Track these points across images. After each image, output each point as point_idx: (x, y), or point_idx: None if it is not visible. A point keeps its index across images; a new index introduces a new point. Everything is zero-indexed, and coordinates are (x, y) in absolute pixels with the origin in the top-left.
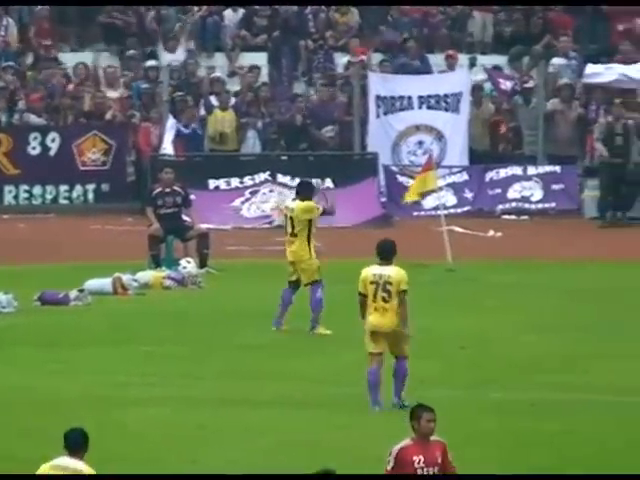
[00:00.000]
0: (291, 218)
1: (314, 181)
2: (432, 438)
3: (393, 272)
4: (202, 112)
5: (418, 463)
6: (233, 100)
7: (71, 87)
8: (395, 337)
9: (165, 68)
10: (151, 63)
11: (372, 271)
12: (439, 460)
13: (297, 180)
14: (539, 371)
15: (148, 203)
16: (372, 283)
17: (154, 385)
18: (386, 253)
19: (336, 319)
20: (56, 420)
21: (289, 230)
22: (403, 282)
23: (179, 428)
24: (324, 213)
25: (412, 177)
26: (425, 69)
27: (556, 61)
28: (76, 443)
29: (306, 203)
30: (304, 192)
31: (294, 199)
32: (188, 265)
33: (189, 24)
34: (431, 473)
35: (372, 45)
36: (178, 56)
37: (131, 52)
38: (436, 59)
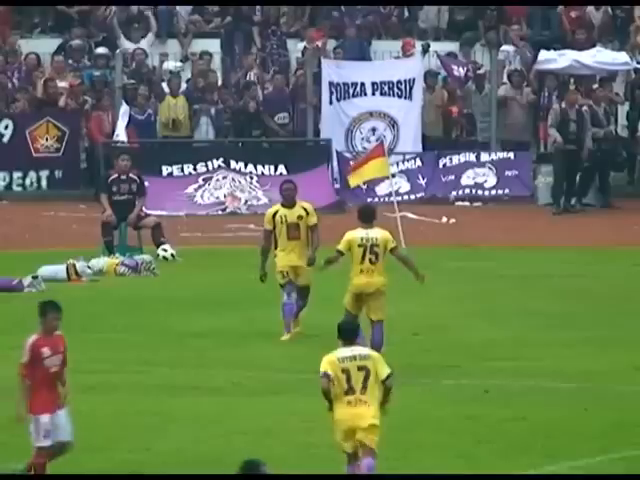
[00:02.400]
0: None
1: None
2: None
3: (379, 234)
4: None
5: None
6: (184, 86)
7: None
8: (377, 299)
9: (118, 55)
10: (101, 51)
11: (358, 234)
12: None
13: (250, 166)
14: (492, 357)
15: (102, 189)
16: (360, 246)
17: (107, 372)
18: (369, 216)
19: None
20: (8, 405)
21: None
22: (390, 241)
23: (132, 415)
24: None
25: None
26: (364, 56)
27: (506, 48)
28: None
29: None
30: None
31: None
32: (166, 252)
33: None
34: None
35: (324, 31)
36: (141, 44)
37: (76, 42)
38: (388, 46)
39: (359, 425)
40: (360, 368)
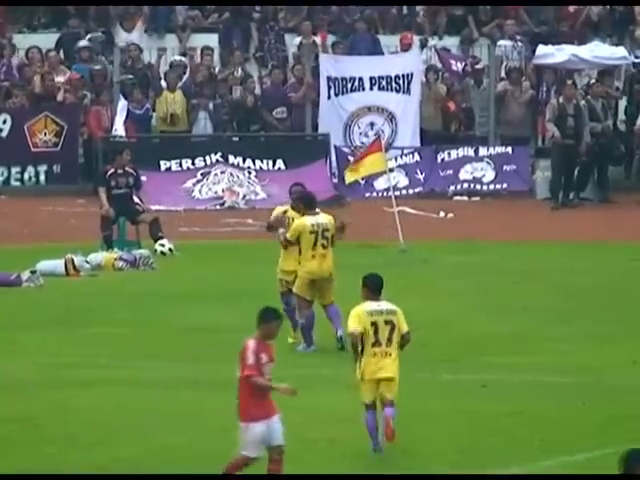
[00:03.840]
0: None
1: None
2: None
3: (326, 219)
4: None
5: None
6: (184, 79)
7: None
8: (327, 284)
9: (117, 49)
10: (84, 43)
11: (309, 222)
12: None
13: (249, 161)
14: (490, 352)
15: (101, 183)
16: (312, 233)
17: (105, 367)
18: (313, 204)
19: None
20: (6, 401)
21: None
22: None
23: (131, 410)
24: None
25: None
26: (375, 50)
27: (503, 43)
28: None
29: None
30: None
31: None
32: (164, 247)
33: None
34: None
35: (323, 26)
36: (133, 37)
37: (83, 42)
38: (387, 40)
39: (383, 376)
40: (387, 322)
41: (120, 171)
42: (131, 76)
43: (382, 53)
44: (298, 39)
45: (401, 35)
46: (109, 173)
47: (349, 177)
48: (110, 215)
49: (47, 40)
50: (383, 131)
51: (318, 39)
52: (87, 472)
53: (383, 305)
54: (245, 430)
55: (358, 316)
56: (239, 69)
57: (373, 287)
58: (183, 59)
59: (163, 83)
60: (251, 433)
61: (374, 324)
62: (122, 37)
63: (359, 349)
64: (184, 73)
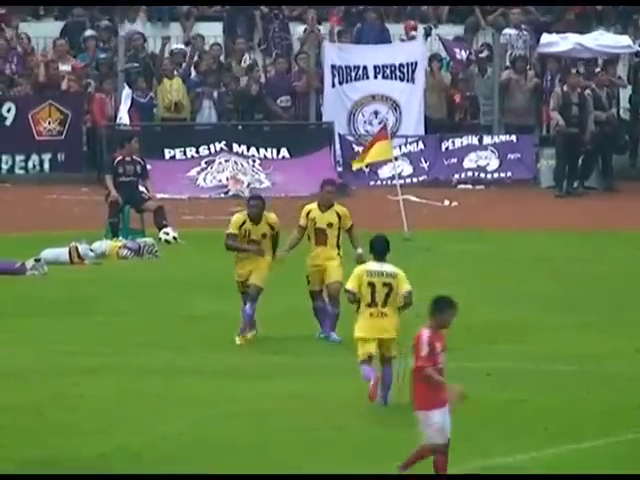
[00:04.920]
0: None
1: None
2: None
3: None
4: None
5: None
6: (188, 70)
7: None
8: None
9: (121, 38)
10: (90, 33)
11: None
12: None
13: (253, 150)
14: (494, 341)
15: (108, 171)
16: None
17: (109, 354)
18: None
19: (291, 288)
20: (10, 388)
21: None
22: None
23: (134, 398)
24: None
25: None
26: (384, 39)
27: (508, 31)
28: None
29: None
30: None
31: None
32: (168, 235)
33: None
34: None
35: (329, 14)
36: (137, 26)
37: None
38: (391, 29)
39: (379, 336)
40: (385, 284)
41: (128, 159)
42: (137, 64)
43: (390, 42)
44: (303, 27)
45: (405, 23)
46: (117, 160)
47: (356, 164)
48: (119, 201)
49: (52, 29)
50: (387, 119)
51: (327, 26)
52: (89, 460)
53: (385, 267)
54: (426, 419)
55: (358, 276)
56: (246, 58)
57: (377, 249)
58: (184, 47)
59: (171, 71)
60: (433, 421)
61: (371, 284)
62: (125, 27)
63: (356, 303)
64: (184, 61)
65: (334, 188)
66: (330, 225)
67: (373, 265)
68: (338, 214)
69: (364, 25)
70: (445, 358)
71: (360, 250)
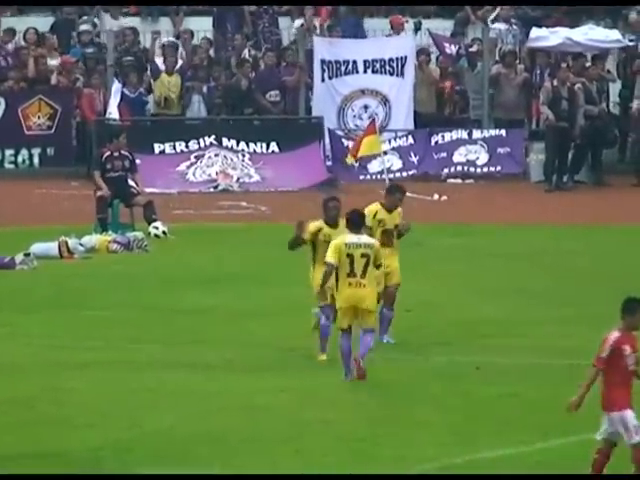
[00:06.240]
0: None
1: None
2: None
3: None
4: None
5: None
6: (179, 64)
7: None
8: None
9: (110, 33)
10: (85, 27)
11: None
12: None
13: (242, 144)
14: (483, 335)
15: (96, 167)
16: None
17: (100, 349)
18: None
19: (282, 281)
20: (1, 383)
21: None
22: None
23: (125, 392)
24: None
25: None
26: (358, 33)
27: (497, 26)
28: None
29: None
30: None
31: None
32: (157, 230)
33: None
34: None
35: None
36: (124, 22)
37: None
38: (380, 24)
39: (358, 306)
40: (363, 255)
41: (116, 154)
42: (131, 58)
43: (365, 36)
44: (297, 22)
45: (391, 17)
46: (105, 156)
47: (349, 159)
48: (107, 197)
49: (41, 24)
50: (377, 114)
51: (316, 21)
52: (80, 454)
53: (362, 239)
54: (621, 419)
55: (337, 248)
56: (236, 53)
57: (353, 222)
58: (175, 40)
59: (161, 66)
60: (629, 419)
61: (350, 256)
62: (115, 22)
63: (330, 277)
64: (175, 55)
65: (403, 195)
66: (396, 227)
67: (351, 237)
68: (400, 214)
69: (339, 20)
70: (635, 360)
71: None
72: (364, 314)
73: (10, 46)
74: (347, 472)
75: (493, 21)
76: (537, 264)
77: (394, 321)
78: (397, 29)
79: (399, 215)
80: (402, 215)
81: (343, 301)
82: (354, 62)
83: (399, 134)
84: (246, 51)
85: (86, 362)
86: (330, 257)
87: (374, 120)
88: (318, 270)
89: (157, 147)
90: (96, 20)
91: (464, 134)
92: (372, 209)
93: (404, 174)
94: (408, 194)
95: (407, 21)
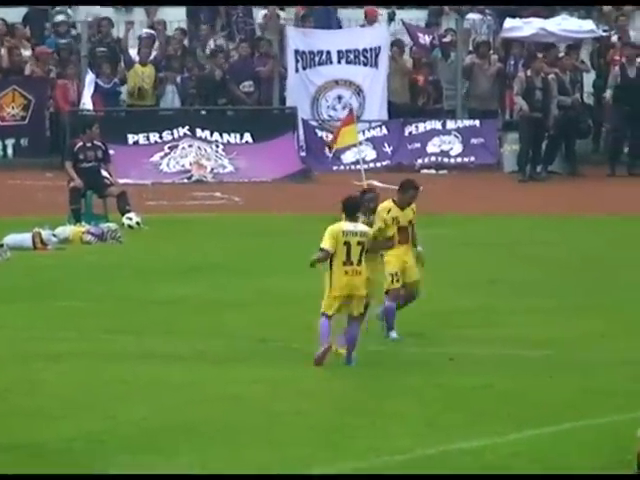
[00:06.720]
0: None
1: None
2: None
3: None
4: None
5: None
6: (153, 55)
7: None
8: None
9: (83, 23)
10: (60, 18)
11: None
12: None
13: (216, 135)
14: (458, 325)
15: (68, 158)
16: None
17: (73, 340)
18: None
19: (256, 272)
20: None
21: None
22: None
23: (98, 383)
24: None
25: (331, 131)
26: (331, 24)
27: (471, 16)
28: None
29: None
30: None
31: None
32: (131, 221)
33: None
34: None
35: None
36: (99, 11)
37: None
38: (354, 14)
39: (355, 293)
40: (359, 243)
41: (89, 144)
42: (104, 49)
43: (340, 26)
44: (261, 12)
45: (366, 8)
46: (78, 146)
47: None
48: (81, 187)
49: (14, 14)
50: (351, 104)
51: (290, 11)
52: (53, 445)
53: (359, 227)
54: None
55: (334, 235)
56: (210, 43)
57: (349, 209)
58: (152, 32)
59: (135, 57)
60: None
61: (347, 244)
62: (90, 11)
63: (319, 263)
64: (151, 46)
65: (416, 192)
66: (410, 223)
67: (348, 225)
68: (413, 211)
69: (312, 10)
70: None
71: (420, 248)
72: (359, 301)
73: None
74: (320, 463)
75: None
76: (511, 254)
77: (368, 312)
78: (371, 20)
79: (413, 212)
80: (415, 211)
81: (340, 289)
82: (328, 52)
83: (373, 125)
84: (220, 41)
85: (59, 353)
86: (326, 243)
87: (352, 110)
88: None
89: (131, 138)
90: (69, 11)
91: (438, 125)
92: (385, 206)
93: (378, 165)
94: (381, 185)
95: (381, 14)
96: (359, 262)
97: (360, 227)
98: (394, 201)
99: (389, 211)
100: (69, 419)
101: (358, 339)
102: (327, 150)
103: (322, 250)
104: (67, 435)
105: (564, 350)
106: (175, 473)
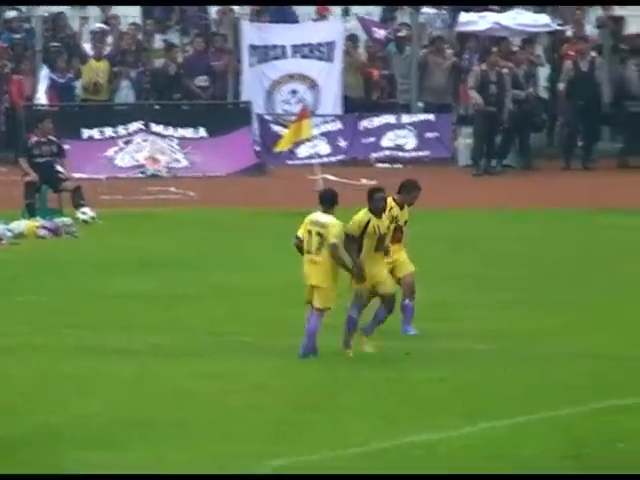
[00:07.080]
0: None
1: None
2: None
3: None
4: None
5: None
6: (107, 49)
7: None
8: None
9: (38, 18)
10: (13, 14)
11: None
12: None
13: (171, 129)
14: (414, 319)
15: (22, 153)
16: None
17: (27, 334)
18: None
19: (210, 266)
20: None
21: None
22: None
23: (52, 378)
24: None
25: (286, 126)
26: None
27: (426, 10)
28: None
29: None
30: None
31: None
32: (86, 215)
33: None
34: None
35: None
36: (52, 7)
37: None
38: (309, 8)
39: (309, 282)
40: (318, 233)
41: (44, 139)
42: (58, 44)
43: (296, 20)
44: (214, 8)
45: (318, 7)
46: (32, 142)
47: (280, 146)
48: (36, 182)
49: None
50: (305, 99)
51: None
52: (10, 438)
53: (322, 218)
54: None
55: (304, 224)
56: (162, 38)
57: (324, 200)
58: (104, 26)
59: (90, 52)
60: None
61: (309, 232)
62: (44, 7)
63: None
64: (104, 41)
65: (419, 193)
66: (405, 222)
67: (316, 215)
68: (408, 211)
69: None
70: None
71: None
72: (318, 293)
73: None
74: (274, 456)
75: None
76: (467, 248)
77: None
78: (322, 15)
79: (408, 211)
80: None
81: (304, 277)
82: (282, 47)
83: (327, 119)
84: (174, 36)
85: (14, 347)
86: (299, 231)
87: (306, 105)
88: (368, 262)
89: (85, 132)
90: (23, 9)
91: (392, 119)
92: (387, 203)
93: (332, 159)
94: (336, 179)
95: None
96: (318, 251)
97: (322, 218)
98: (394, 199)
99: (390, 209)
100: (24, 414)
101: (315, 332)
102: (276, 149)
103: (296, 237)
104: (22, 429)
105: (519, 344)
106: (130, 467)
